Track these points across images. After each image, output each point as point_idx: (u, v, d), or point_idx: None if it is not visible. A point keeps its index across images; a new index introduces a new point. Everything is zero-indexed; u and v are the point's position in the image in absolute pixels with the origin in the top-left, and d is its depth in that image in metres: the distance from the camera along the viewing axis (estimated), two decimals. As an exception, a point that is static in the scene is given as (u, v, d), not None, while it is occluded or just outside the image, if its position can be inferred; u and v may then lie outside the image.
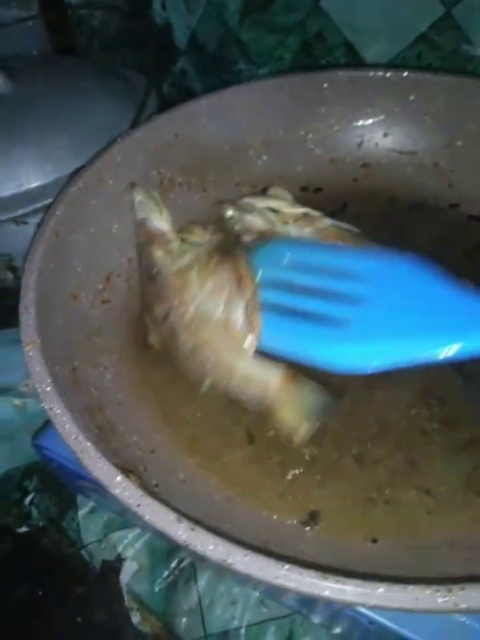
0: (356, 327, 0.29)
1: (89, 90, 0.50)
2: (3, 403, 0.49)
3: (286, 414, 0.31)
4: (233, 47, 0.61)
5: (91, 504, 0.44)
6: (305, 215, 0.41)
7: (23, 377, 0.50)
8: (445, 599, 0.19)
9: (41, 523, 0.45)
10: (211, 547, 0.20)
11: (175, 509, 0.22)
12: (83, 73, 0.53)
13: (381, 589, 0.19)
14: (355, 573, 0.20)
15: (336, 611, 0.31)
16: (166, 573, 0.40)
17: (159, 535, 0.22)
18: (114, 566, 0.41)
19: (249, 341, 0.31)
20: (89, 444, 0.24)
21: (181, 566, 0.40)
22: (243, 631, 0.37)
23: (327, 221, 0.41)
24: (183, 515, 0.21)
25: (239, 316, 0.32)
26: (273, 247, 0.36)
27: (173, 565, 0.41)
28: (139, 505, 0.22)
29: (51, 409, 0.25)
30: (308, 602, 0.34)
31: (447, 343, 0.27)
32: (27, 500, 0.46)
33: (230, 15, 0.58)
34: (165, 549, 0.41)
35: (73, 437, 0.24)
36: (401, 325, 0.28)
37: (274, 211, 0.41)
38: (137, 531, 0.42)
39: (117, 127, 0.46)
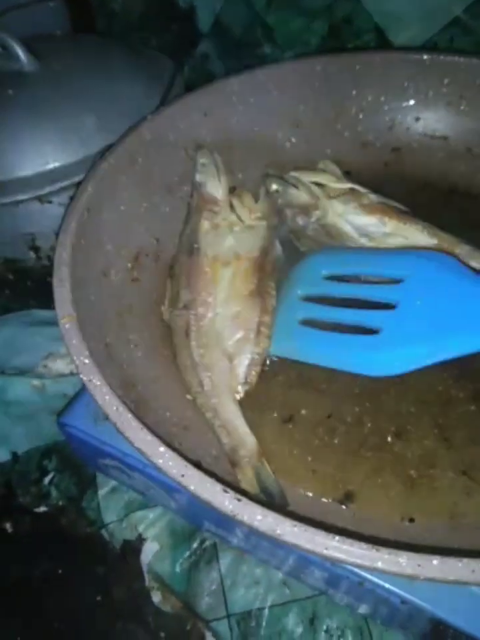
0: (388, 333, 0.31)
1: (115, 69, 0.50)
2: (22, 383, 0.49)
3: (243, 478, 0.29)
4: (258, 30, 0.60)
5: (112, 483, 0.44)
6: (351, 190, 0.41)
7: (42, 357, 0.50)
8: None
9: (60, 503, 0.45)
10: (260, 517, 0.20)
11: (220, 480, 0.21)
12: (109, 53, 0.52)
13: (435, 561, 0.19)
14: (407, 544, 0.20)
15: (365, 589, 0.31)
16: (187, 553, 0.40)
17: (206, 505, 0.21)
18: (134, 546, 0.41)
19: (240, 391, 0.33)
20: (130, 415, 0.24)
21: (203, 546, 0.40)
22: (265, 611, 0.37)
23: (373, 197, 0.41)
24: (229, 485, 0.21)
25: (243, 361, 0.33)
26: (310, 261, 0.39)
27: (194, 545, 0.40)
28: (183, 476, 0.22)
29: (90, 380, 0.25)
30: (334, 581, 0.33)
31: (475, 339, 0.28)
32: (46, 480, 0.46)
33: (257, -3, 0.58)
34: (186, 529, 0.41)
35: (114, 408, 0.24)
36: (431, 326, 0.30)
37: (320, 185, 0.42)
38: (159, 510, 0.42)
39: (144, 107, 0.46)
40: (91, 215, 0.35)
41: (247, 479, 0.29)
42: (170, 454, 0.22)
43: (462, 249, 0.39)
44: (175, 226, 0.41)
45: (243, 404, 0.32)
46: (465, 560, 0.19)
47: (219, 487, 0.21)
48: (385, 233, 0.40)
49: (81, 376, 0.26)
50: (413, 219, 0.40)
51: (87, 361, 0.26)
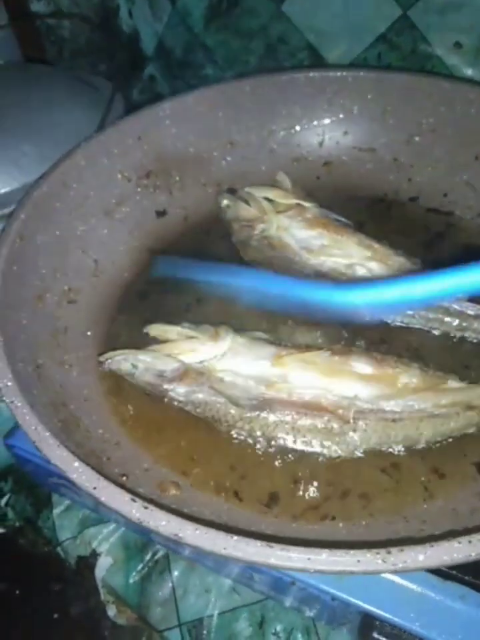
0: None
1: (55, 97, 0.51)
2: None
3: None
4: (199, 52, 0.62)
5: (66, 502, 0.44)
6: (297, 205, 0.43)
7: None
8: (385, 560, 0.20)
9: (17, 524, 0.46)
10: (164, 523, 0.21)
11: (129, 491, 0.23)
12: (50, 81, 0.53)
13: (324, 555, 0.20)
14: (302, 540, 0.21)
15: (299, 590, 0.32)
16: (140, 565, 0.41)
17: (117, 515, 0.22)
18: (89, 561, 0.42)
19: None
20: (47, 433, 0.25)
21: (155, 558, 0.41)
22: (215, 618, 0.38)
23: (317, 211, 0.43)
24: (138, 495, 0.22)
25: None
26: None
27: (147, 558, 0.41)
28: (95, 488, 0.23)
29: (11, 402, 0.26)
30: (279, 585, 0.34)
31: None
32: (3, 501, 0.47)
33: (195, 21, 0.59)
34: (139, 543, 0.42)
35: (33, 427, 0.25)
36: None
37: (270, 200, 0.44)
38: (112, 526, 0.43)
39: (83, 133, 0.47)
40: (25, 241, 0.36)
41: None
42: (83, 468, 0.23)
43: (393, 261, 0.41)
44: (114, 246, 0.43)
45: (169, 416, 0.33)
46: (352, 551, 0.20)
47: (127, 496, 0.22)
48: (323, 245, 0.42)
49: (4, 398, 0.27)
50: (350, 232, 0.42)
51: (9, 383, 0.27)
